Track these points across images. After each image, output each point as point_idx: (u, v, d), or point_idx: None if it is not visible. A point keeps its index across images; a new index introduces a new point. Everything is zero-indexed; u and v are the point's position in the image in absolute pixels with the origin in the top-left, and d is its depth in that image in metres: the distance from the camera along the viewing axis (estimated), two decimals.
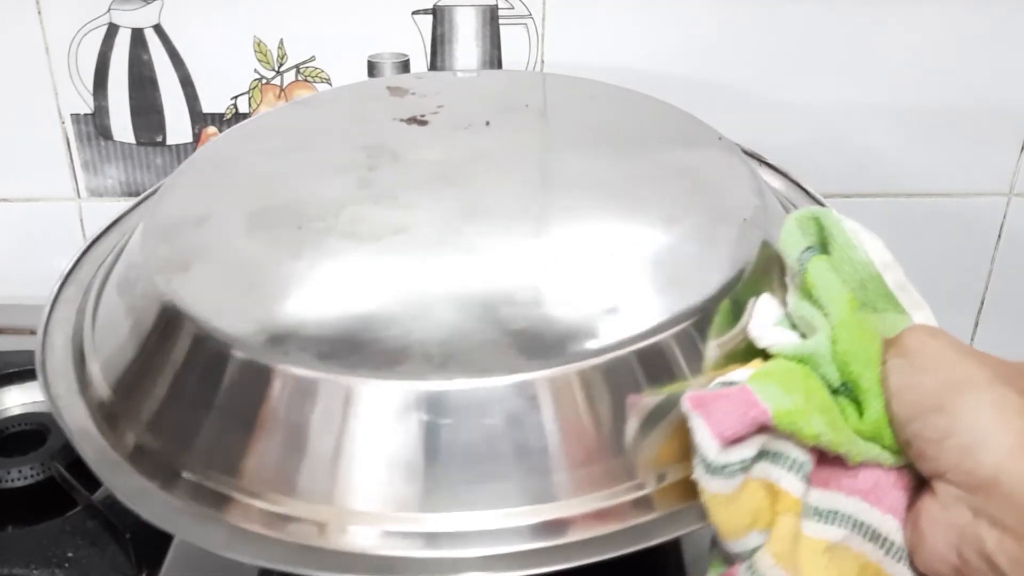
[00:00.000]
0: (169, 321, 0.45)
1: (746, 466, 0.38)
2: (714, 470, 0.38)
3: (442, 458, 0.40)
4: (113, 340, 0.49)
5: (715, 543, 0.41)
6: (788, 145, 0.74)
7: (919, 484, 0.39)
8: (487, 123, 0.57)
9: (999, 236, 0.79)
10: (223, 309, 0.44)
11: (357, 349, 0.42)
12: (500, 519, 0.40)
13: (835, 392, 0.40)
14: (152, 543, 0.56)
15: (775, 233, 0.49)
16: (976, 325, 0.83)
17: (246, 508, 0.42)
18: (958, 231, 0.79)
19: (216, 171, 0.54)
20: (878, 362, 0.39)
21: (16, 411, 0.67)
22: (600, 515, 0.41)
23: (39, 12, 0.71)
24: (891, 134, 0.76)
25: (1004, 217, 0.79)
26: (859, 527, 0.40)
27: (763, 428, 0.38)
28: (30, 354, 0.69)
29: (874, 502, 0.39)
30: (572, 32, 0.72)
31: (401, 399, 0.41)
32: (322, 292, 0.45)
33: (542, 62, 0.73)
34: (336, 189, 0.51)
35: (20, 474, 0.60)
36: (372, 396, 0.41)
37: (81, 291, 0.54)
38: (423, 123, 0.56)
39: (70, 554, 0.55)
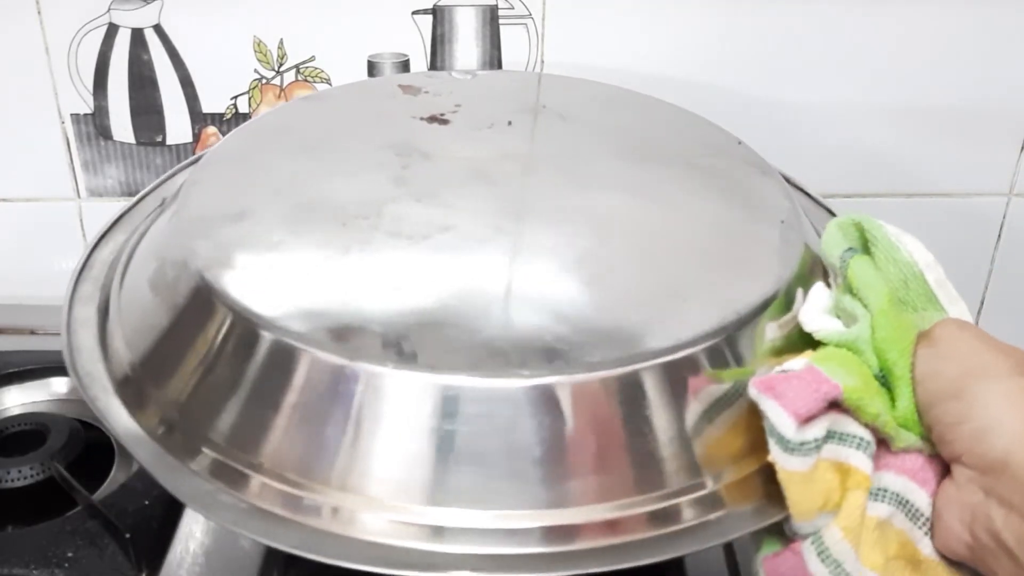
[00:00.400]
0: (203, 302, 0.45)
1: (819, 445, 0.40)
2: (792, 448, 0.39)
3: (458, 453, 0.41)
4: (140, 317, 0.49)
5: None
6: (788, 145, 0.74)
7: (946, 470, 0.41)
8: (509, 123, 0.57)
9: (999, 236, 0.79)
10: (258, 293, 0.44)
11: (385, 340, 0.42)
12: (510, 520, 0.41)
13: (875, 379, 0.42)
14: (151, 543, 0.56)
15: (808, 234, 0.50)
16: (976, 325, 0.83)
17: (262, 487, 0.42)
18: (958, 231, 0.79)
19: (240, 169, 0.54)
20: (911, 352, 0.41)
21: (16, 411, 0.67)
22: (612, 525, 0.41)
23: (39, 12, 0.71)
24: (891, 134, 0.76)
25: (1004, 217, 0.79)
26: (903, 505, 0.41)
27: (832, 405, 0.40)
28: (30, 354, 0.70)
29: (922, 483, 0.41)
30: (572, 32, 0.72)
31: (422, 392, 0.41)
32: (360, 285, 0.45)
33: (542, 62, 0.73)
34: (373, 187, 0.51)
35: (20, 474, 0.60)
36: (394, 386, 0.41)
37: (97, 287, 0.54)
38: (444, 122, 0.56)
39: (70, 554, 0.55)
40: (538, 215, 0.49)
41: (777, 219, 0.50)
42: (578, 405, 0.41)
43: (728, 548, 0.56)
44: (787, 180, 0.61)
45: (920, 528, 0.41)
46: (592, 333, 0.43)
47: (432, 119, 0.56)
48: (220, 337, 0.44)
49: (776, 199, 0.52)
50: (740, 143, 0.57)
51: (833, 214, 0.59)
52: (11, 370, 0.68)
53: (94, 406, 0.46)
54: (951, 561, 0.41)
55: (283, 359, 0.42)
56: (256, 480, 0.42)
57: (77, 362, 0.49)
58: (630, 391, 0.41)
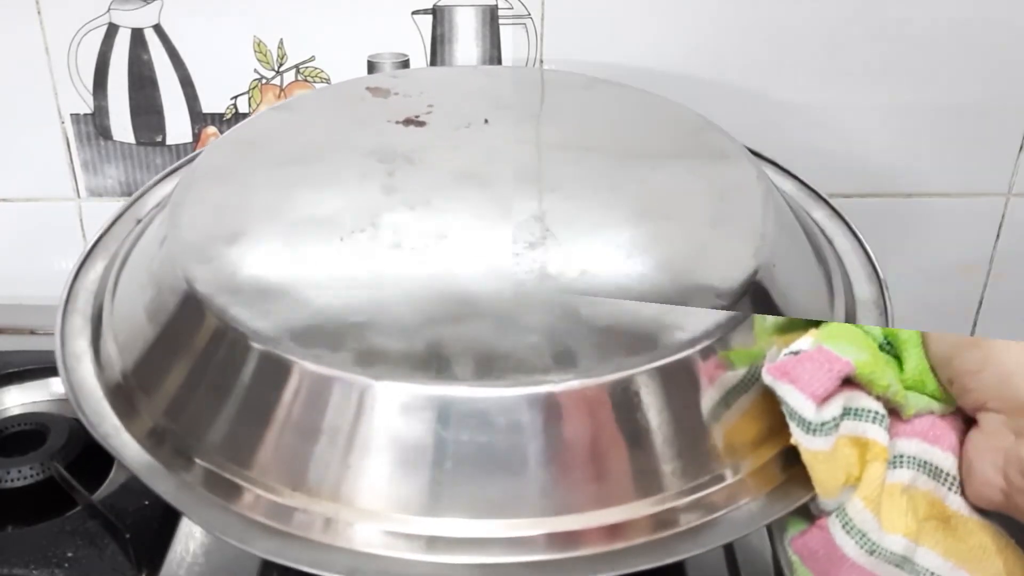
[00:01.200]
0: (210, 329, 0.45)
1: (837, 423, 0.41)
2: (814, 429, 0.40)
3: (452, 463, 0.41)
4: (141, 347, 0.49)
5: None
6: (788, 145, 0.74)
7: (967, 427, 0.42)
8: (486, 121, 0.57)
9: (998, 236, 0.79)
10: (263, 314, 0.44)
11: (377, 349, 0.42)
12: (507, 528, 0.40)
13: (880, 350, 0.43)
14: (151, 543, 0.56)
15: (787, 223, 0.51)
16: (975, 324, 0.83)
17: (255, 498, 0.42)
18: (957, 231, 0.79)
19: (226, 187, 0.53)
20: None
21: (16, 411, 0.67)
22: (612, 531, 0.41)
23: (39, 12, 0.71)
24: (890, 134, 0.76)
25: (1003, 217, 0.79)
26: (923, 466, 0.42)
27: (846, 382, 0.41)
28: (30, 354, 0.70)
29: (933, 441, 0.42)
30: (571, 32, 0.72)
31: (418, 402, 0.41)
32: (358, 298, 0.45)
33: (541, 62, 0.73)
34: (364, 198, 0.50)
35: (20, 474, 0.60)
36: (387, 397, 0.41)
37: (86, 319, 0.53)
38: (420, 124, 0.56)
39: (70, 554, 0.55)
40: (533, 218, 0.49)
41: (747, 187, 0.51)
42: (590, 409, 0.41)
43: (728, 547, 0.56)
44: (795, 177, 0.61)
45: (944, 484, 0.42)
46: (601, 335, 0.43)
47: (408, 122, 0.56)
48: (233, 365, 0.44)
49: (744, 168, 0.53)
50: (720, 131, 0.58)
51: (802, 181, 0.60)
52: (11, 370, 0.68)
53: (107, 444, 0.45)
54: (981, 511, 0.42)
55: (278, 372, 0.42)
56: (248, 491, 0.42)
57: (81, 400, 0.48)
58: (648, 390, 0.42)
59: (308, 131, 0.57)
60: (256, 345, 0.43)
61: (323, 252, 0.47)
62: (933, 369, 0.42)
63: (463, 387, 0.41)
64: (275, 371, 0.42)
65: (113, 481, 0.61)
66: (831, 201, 0.60)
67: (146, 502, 0.57)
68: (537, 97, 0.61)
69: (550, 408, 0.40)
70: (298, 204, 0.50)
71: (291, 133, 0.58)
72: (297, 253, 0.47)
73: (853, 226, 0.57)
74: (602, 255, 0.47)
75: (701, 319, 0.43)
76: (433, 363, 0.41)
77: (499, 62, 0.73)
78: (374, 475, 0.41)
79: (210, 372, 0.45)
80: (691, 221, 0.49)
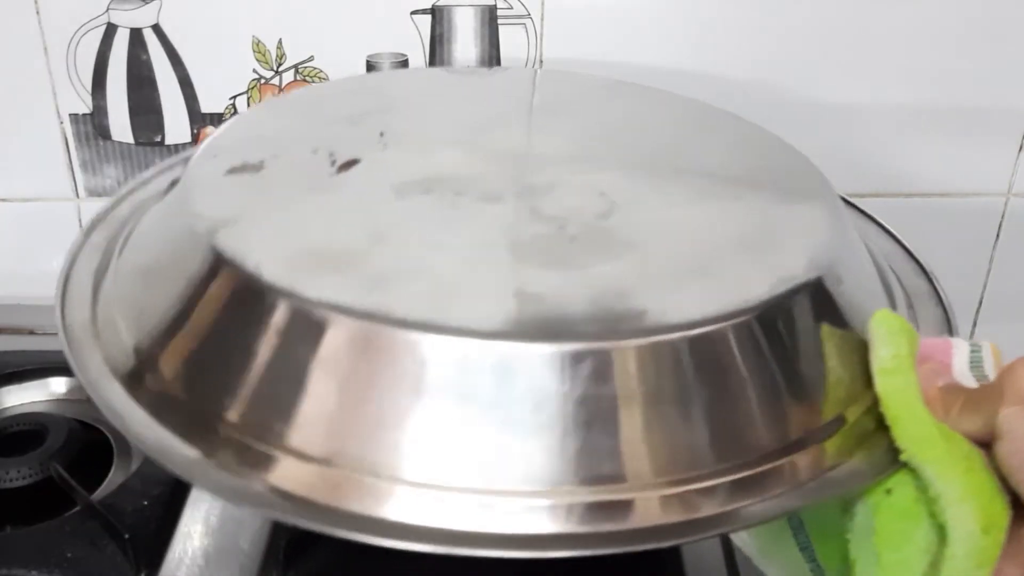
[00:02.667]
0: (214, 270, 0.43)
1: None
2: None
3: (503, 427, 0.38)
4: (141, 296, 0.47)
5: None
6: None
7: None
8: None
9: (997, 236, 0.79)
10: (276, 260, 0.42)
11: (426, 303, 0.40)
12: (562, 496, 0.38)
13: None
14: (150, 544, 0.56)
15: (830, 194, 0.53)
16: (975, 325, 0.83)
17: (286, 468, 0.39)
18: (957, 231, 0.79)
19: (244, 161, 0.51)
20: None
21: (15, 411, 0.67)
22: (607, 509, 0.40)
23: (37, 12, 0.71)
24: (891, 134, 0.76)
25: (1002, 217, 0.79)
26: None
27: None
28: (29, 354, 0.70)
29: None
30: (571, 32, 0.72)
31: (465, 359, 0.38)
32: (392, 248, 0.43)
33: (540, 62, 0.73)
34: (394, 163, 0.50)
35: (19, 474, 0.60)
36: (433, 354, 0.38)
37: (89, 274, 0.52)
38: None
39: (68, 554, 0.55)
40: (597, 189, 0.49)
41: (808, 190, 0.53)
42: (648, 369, 0.39)
43: (727, 546, 0.56)
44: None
45: None
46: (662, 290, 0.41)
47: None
48: (260, 326, 0.41)
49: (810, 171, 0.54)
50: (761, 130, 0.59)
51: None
52: (10, 370, 0.68)
53: (118, 421, 0.43)
54: None
55: (309, 328, 0.40)
56: (276, 460, 0.39)
57: (85, 370, 0.45)
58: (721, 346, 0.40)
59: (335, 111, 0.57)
60: (288, 302, 0.40)
61: (359, 203, 0.46)
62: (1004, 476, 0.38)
63: (525, 344, 0.38)
64: (308, 329, 0.40)
65: (112, 481, 0.61)
66: None
67: (145, 502, 0.57)
68: (555, 97, 0.61)
69: (617, 367, 0.39)
70: (327, 162, 0.49)
71: (317, 108, 0.57)
72: (333, 205, 0.46)
73: (888, 227, 0.60)
74: (664, 222, 0.46)
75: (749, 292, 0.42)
76: (493, 316, 0.39)
77: (498, 62, 0.73)
78: (414, 441, 0.39)
79: (235, 335, 0.42)
80: (756, 215, 0.49)
